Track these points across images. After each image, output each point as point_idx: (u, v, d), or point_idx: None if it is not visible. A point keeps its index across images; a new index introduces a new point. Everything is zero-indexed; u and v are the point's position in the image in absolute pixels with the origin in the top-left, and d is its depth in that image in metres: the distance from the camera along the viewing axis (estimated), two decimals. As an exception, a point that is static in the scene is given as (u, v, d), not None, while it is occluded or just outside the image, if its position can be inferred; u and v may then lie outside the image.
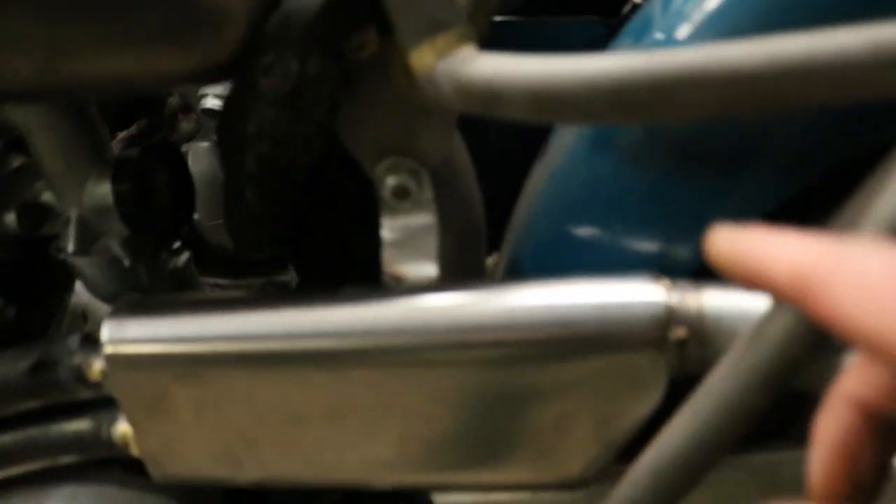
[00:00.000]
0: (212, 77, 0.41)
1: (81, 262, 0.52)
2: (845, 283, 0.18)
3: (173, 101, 0.91)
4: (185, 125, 0.99)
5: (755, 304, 0.36)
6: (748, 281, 0.22)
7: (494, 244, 0.52)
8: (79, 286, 0.73)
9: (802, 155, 0.40)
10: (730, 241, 0.22)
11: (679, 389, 0.35)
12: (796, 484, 0.31)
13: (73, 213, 0.51)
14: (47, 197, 0.53)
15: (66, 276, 0.71)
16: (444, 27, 0.36)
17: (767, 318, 0.32)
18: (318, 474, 0.44)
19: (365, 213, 0.46)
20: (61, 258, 0.52)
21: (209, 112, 1.07)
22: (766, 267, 0.21)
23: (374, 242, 0.45)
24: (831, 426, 0.22)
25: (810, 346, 0.31)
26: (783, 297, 0.21)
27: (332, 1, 0.38)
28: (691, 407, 0.34)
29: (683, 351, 0.37)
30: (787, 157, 0.41)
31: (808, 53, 0.29)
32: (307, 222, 0.51)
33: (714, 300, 0.37)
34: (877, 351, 0.17)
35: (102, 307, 0.61)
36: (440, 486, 0.45)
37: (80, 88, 0.41)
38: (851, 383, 0.22)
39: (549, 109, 0.33)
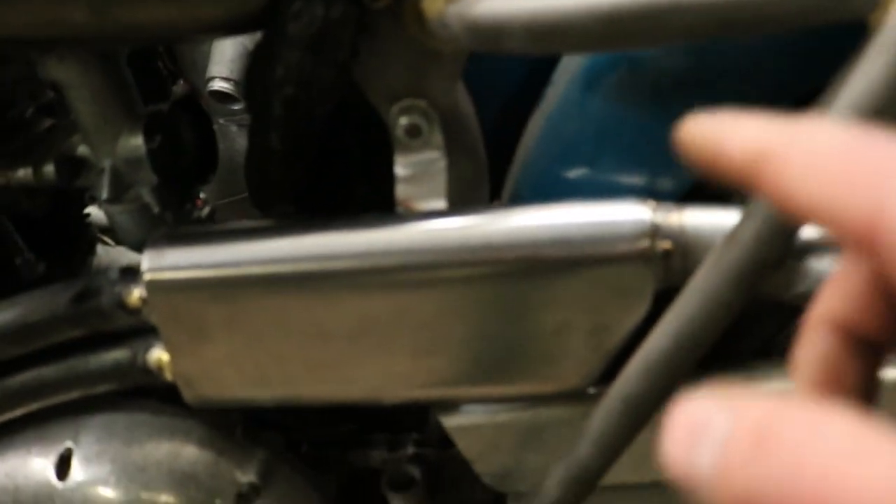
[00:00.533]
0: (246, 26, 0.45)
1: (114, 210, 0.57)
2: (795, 158, 0.18)
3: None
4: (177, 89, 1.02)
5: (730, 218, 0.41)
6: (708, 164, 0.21)
7: (496, 193, 0.57)
8: (100, 249, 0.78)
9: (783, 83, 0.45)
10: (696, 127, 0.22)
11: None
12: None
13: (107, 164, 0.55)
14: (82, 150, 0.57)
15: (89, 240, 0.75)
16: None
17: (738, 226, 0.36)
18: (339, 391, 0.49)
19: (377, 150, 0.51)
20: (87, 217, 0.56)
21: (216, 94, 1.12)
22: (724, 149, 0.21)
23: (389, 175, 0.50)
24: (811, 351, 0.21)
25: (777, 248, 0.36)
26: (740, 179, 0.20)
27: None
28: (677, 307, 0.39)
29: (668, 262, 0.42)
30: (768, 85, 0.45)
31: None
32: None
33: (694, 217, 0.42)
34: (828, 225, 0.17)
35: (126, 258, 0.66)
36: (450, 400, 0.49)
37: (128, 36, 0.45)
38: (827, 304, 0.21)
39: (548, 40, 0.37)
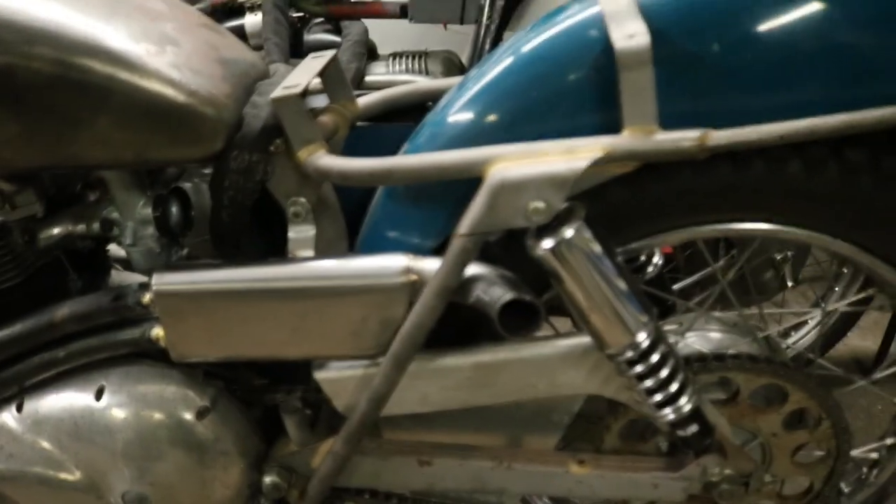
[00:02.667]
0: (211, 160, 0.88)
1: (132, 249, 0.99)
2: None
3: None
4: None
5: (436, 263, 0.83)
6: None
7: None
8: (113, 273, 1.20)
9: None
10: None
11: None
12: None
13: (130, 224, 0.98)
14: (115, 215, 1.00)
15: (106, 266, 1.17)
16: (310, 142, 0.84)
17: (438, 271, 0.80)
18: (262, 352, 0.91)
19: (278, 226, 0.94)
20: (119, 247, 0.98)
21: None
22: None
23: (285, 237, 0.92)
24: None
25: (455, 277, 0.79)
26: None
27: (264, 129, 0.86)
28: (414, 310, 0.82)
29: (414, 286, 0.85)
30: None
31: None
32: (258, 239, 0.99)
33: (428, 262, 0.85)
34: None
35: (133, 279, 1.08)
36: (312, 357, 0.91)
37: (138, 166, 0.88)
38: None
39: (348, 180, 0.81)
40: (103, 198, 1.02)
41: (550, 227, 0.77)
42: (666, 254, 1.28)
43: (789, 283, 1.72)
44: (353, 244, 0.98)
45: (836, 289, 1.70)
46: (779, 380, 0.95)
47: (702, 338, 1.04)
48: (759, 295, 1.74)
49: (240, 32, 1.53)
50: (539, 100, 0.81)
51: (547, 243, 0.77)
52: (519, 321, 0.79)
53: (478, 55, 1.52)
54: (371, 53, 1.51)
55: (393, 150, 1.01)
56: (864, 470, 1.14)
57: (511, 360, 0.91)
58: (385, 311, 0.87)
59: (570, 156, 0.75)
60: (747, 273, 1.24)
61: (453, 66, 1.52)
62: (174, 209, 0.98)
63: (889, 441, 1.11)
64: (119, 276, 1.17)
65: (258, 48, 1.45)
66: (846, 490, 1.14)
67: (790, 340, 1.85)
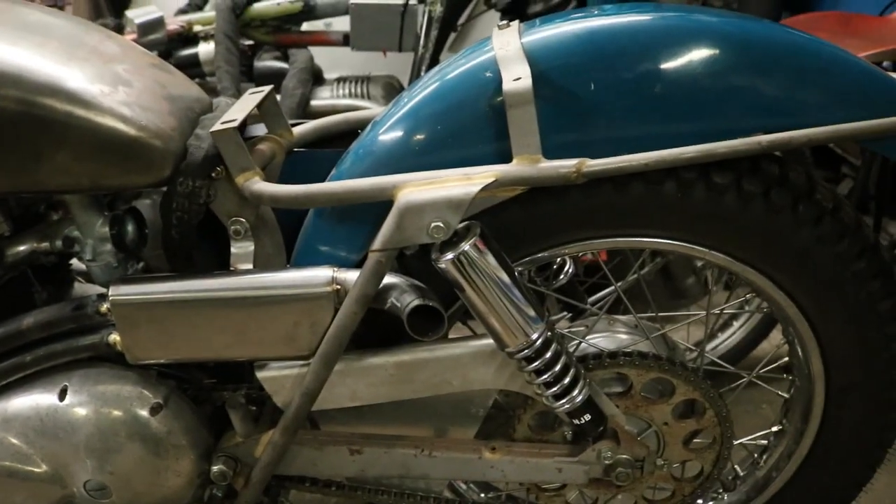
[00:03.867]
0: (160, 185, 1.00)
1: (91, 264, 1.10)
2: None
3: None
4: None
5: (354, 275, 0.96)
6: None
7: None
8: (76, 285, 1.31)
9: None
10: None
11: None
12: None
13: (90, 242, 1.09)
14: (75, 233, 1.11)
15: (69, 278, 1.28)
16: (246, 170, 0.97)
17: (359, 277, 0.92)
18: (208, 353, 1.03)
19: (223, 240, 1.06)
20: (80, 261, 1.10)
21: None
22: None
23: (227, 252, 1.04)
24: None
25: (373, 286, 0.92)
26: None
27: (206, 158, 0.98)
28: (339, 314, 0.94)
29: (339, 295, 0.97)
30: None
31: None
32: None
33: (351, 274, 0.97)
34: None
35: (94, 290, 1.19)
36: (254, 358, 1.03)
37: (87, 191, 1.00)
38: None
39: (278, 203, 0.93)
40: (65, 217, 1.14)
41: (451, 242, 0.90)
42: (602, 260, 1.41)
43: (713, 288, 1.86)
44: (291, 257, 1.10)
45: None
46: (666, 374, 1.08)
47: (610, 338, 1.17)
48: (683, 299, 1.88)
49: (194, 61, 1.65)
50: (443, 132, 0.94)
51: (447, 256, 0.90)
52: (427, 324, 0.92)
53: (416, 79, 1.66)
54: (317, 78, 1.64)
55: (325, 173, 1.14)
56: (756, 455, 1.27)
57: (428, 358, 1.03)
58: (314, 316, 0.99)
59: (466, 181, 0.87)
60: (643, 281, 1.37)
61: (393, 90, 1.64)
62: (130, 227, 1.10)
63: (775, 428, 1.24)
64: (81, 288, 1.28)
65: (212, 74, 1.57)
66: (741, 473, 1.28)
67: (718, 340, 2.00)
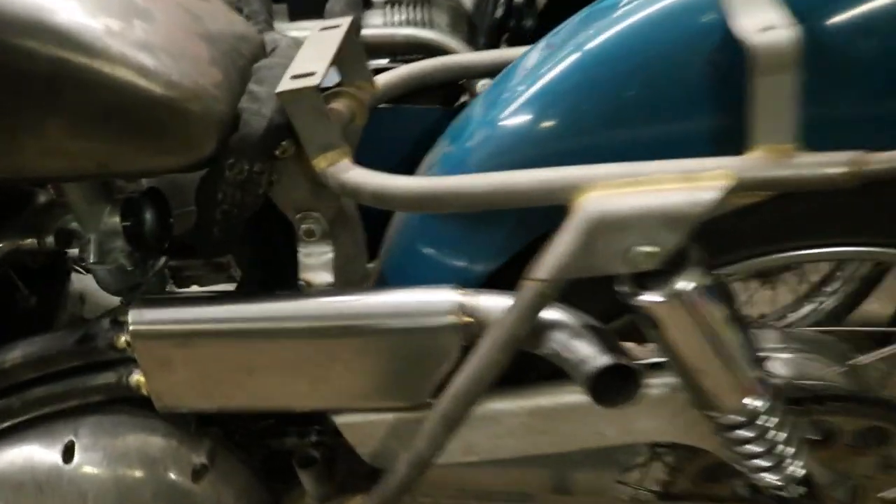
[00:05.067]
0: (200, 167, 0.68)
1: (98, 268, 0.79)
2: None
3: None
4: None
5: (506, 301, 0.66)
6: None
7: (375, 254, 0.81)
8: (74, 277, 0.99)
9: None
10: None
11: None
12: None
13: (94, 236, 0.78)
14: (73, 225, 0.79)
15: (64, 272, 0.96)
16: (330, 148, 0.65)
17: (506, 314, 0.62)
18: (263, 404, 0.73)
19: (289, 242, 0.75)
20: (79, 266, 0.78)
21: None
22: None
23: (294, 261, 0.74)
24: None
25: (525, 327, 0.62)
26: None
27: (268, 131, 0.65)
28: (471, 362, 0.64)
29: (468, 330, 0.67)
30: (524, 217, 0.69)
31: (503, 186, 0.58)
32: (254, 244, 0.79)
33: (485, 300, 0.67)
34: None
35: (97, 292, 0.88)
36: (336, 409, 0.74)
37: (119, 176, 0.68)
38: None
39: (382, 203, 0.62)
40: (58, 203, 0.82)
41: (657, 272, 0.59)
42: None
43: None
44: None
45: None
46: (884, 423, 0.80)
47: (790, 360, 0.88)
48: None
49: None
50: (632, 102, 0.62)
51: (655, 297, 0.59)
52: (609, 385, 0.62)
53: (490, 6, 1.29)
54: (364, 1, 1.29)
55: (418, 139, 0.82)
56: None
57: (575, 405, 0.74)
58: (428, 358, 0.69)
59: (690, 184, 0.56)
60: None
61: (460, 19, 1.29)
62: (148, 215, 0.78)
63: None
64: (81, 283, 0.98)
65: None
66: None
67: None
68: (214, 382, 0.72)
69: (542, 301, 0.61)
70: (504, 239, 0.69)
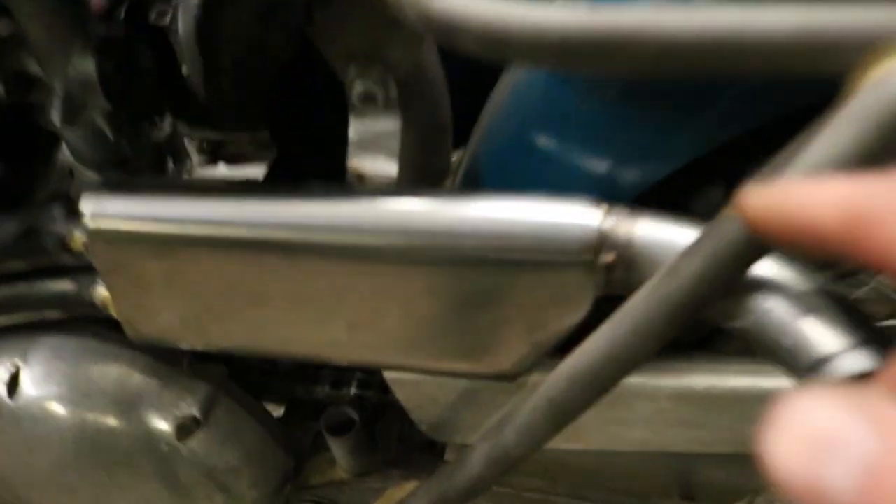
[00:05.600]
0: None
1: (67, 133, 0.55)
2: None
3: None
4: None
5: (682, 236, 0.40)
6: (793, 234, 0.20)
7: (463, 139, 0.55)
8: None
9: (747, 101, 0.42)
10: (766, 197, 0.21)
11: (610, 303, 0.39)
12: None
13: (58, 86, 0.53)
14: (34, 67, 0.55)
15: (53, 135, 0.73)
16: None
17: (682, 257, 0.35)
18: (277, 347, 0.49)
19: (336, 111, 0.49)
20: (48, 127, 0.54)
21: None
22: (811, 215, 0.19)
23: (343, 139, 0.48)
24: None
25: (720, 285, 0.35)
26: (833, 243, 0.19)
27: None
28: (608, 327, 0.38)
29: (610, 274, 0.41)
30: (735, 99, 0.43)
31: (739, 29, 0.31)
32: (285, 112, 0.54)
33: (645, 229, 0.41)
34: None
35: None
36: (387, 367, 0.50)
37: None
38: None
39: (496, 50, 0.35)
40: (17, 35, 0.57)
41: None
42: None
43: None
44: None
45: None
46: None
47: None
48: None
49: None
50: None
51: None
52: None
53: None
54: None
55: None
56: None
57: (742, 390, 0.49)
58: (537, 310, 0.44)
59: None
60: None
61: None
62: (142, 59, 0.53)
63: None
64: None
65: None
66: None
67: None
68: (207, 313, 0.48)
69: (757, 246, 0.34)
70: (695, 129, 0.42)
